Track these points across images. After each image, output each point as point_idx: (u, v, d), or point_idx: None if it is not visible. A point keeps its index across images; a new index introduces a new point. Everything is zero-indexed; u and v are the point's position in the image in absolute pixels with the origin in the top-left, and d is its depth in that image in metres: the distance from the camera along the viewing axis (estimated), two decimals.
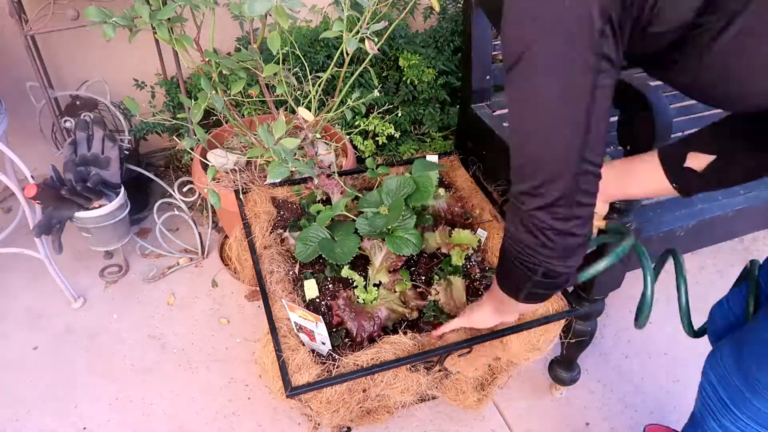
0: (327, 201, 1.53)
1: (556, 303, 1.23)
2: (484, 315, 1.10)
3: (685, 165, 0.89)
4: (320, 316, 1.08)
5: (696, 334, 1.12)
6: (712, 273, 1.95)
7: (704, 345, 1.71)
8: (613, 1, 0.64)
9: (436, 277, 1.34)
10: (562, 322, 1.25)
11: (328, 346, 1.13)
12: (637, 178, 0.96)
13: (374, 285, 1.31)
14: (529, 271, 0.83)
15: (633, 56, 0.75)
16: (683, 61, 0.72)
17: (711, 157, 0.88)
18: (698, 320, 1.14)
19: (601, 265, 1.02)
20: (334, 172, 1.46)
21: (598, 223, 1.04)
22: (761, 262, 1.04)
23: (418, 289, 1.32)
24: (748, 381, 0.92)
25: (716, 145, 0.88)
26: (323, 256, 1.31)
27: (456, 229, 1.40)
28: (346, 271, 1.32)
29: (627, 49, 0.71)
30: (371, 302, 1.26)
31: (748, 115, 0.82)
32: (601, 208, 1.04)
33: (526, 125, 0.74)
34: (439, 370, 1.23)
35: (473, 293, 1.33)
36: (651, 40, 0.70)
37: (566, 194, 0.74)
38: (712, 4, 0.64)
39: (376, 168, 1.53)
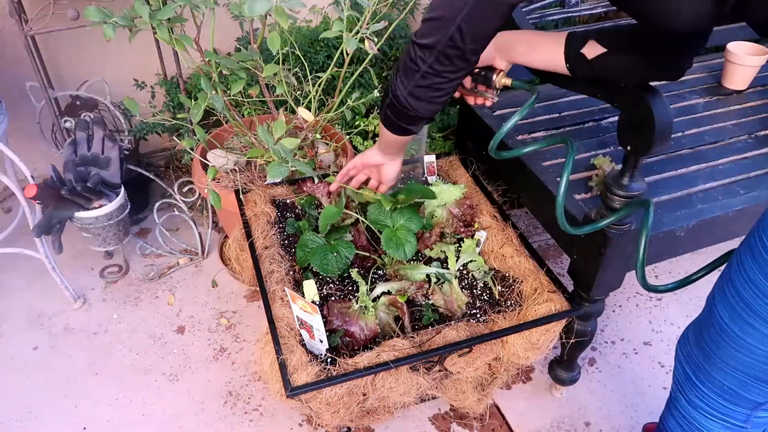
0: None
1: (556, 303, 1.23)
2: (372, 150, 1.30)
3: (581, 50, 1.02)
4: (317, 307, 1.07)
5: (650, 288, 1.12)
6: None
7: None
8: None
9: (435, 279, 1.34)
10: (563, 321, 1.25)
11: (326, 344, 1.13)
12: (541, 48, 1.09)
13: (377, 296, 1.30)
14: (391, 91, 1.06)
15: None
16: None
17: (602, 50, 1.00)
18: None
19: (511, 122, 1.12)
20: (320, 175, 1.46)
21: (504, 80, 1.15)
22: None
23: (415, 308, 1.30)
24: (702, 350, 0.99)
25: (611, 40, 1.00)
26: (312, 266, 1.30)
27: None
28: (355, 274, 1.31)
29: None
30: (368, 311, 1.25)
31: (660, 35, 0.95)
32: (504, 65, 1.17)
33: None
34: (439, 370, 1.23)
35: (472, 296, 1.33)
36: None
37: (440, 42, 0.93)
38: None
39: None
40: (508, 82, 1.16)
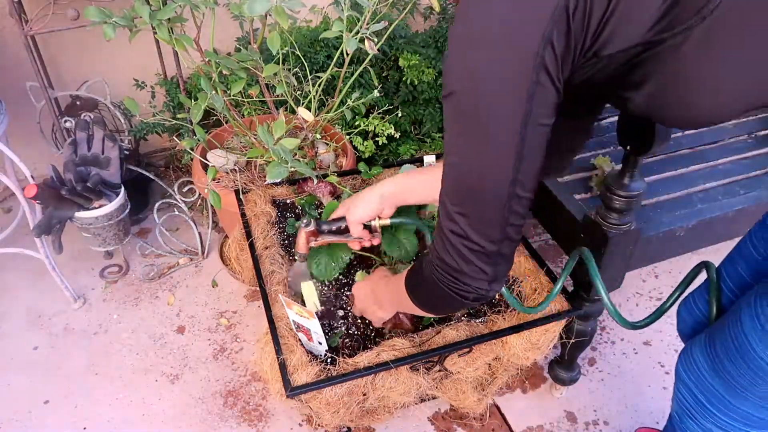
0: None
1: (557, 303, 1.23)
2: (372, 310, 1.17)
3: None
4: (314, 313, 1.07)
5: (633, 326, 1.09)
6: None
7: None
8: (557, 30, 0.63)
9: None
10: (563, 322, 1.25)
11: (325, 345, 1.13)
12: (425, 182, 1.12)
13: None
14: (462, 299, 0.84)
15: (587, 85, 0.74)
16: (639, 80, 0.72)
17: None
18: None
19: (557, 287, 1.11)
20: (320, 175, 1.46)
21: (383, 222, 1.20)
22: (717, 265, 1.03)
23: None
24: (724, 381, 0.90)
25: None
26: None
27: None
28: (360, 276, 1.32)
29: (580, 77, 0.71)
30: None
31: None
32: (391, 213, 1.20)
33: (463, 152, 0.75)
34: (439, 370, 1.23)
35: None
36: (606, 62, 0.69)
37: (498, 219, 0.75)
38: (667, 20, 0.63)
39: (370, 170, 1.55)
40: (387, 222, 1.21)
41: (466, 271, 0.80)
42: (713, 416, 0.95)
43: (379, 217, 1.19)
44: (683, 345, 1.05)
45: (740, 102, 0.69)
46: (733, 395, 0.89)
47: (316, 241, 1.24)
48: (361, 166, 1.55)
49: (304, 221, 1.22)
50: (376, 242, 1.23)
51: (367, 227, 1.21)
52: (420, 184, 1.15)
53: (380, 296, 1.14)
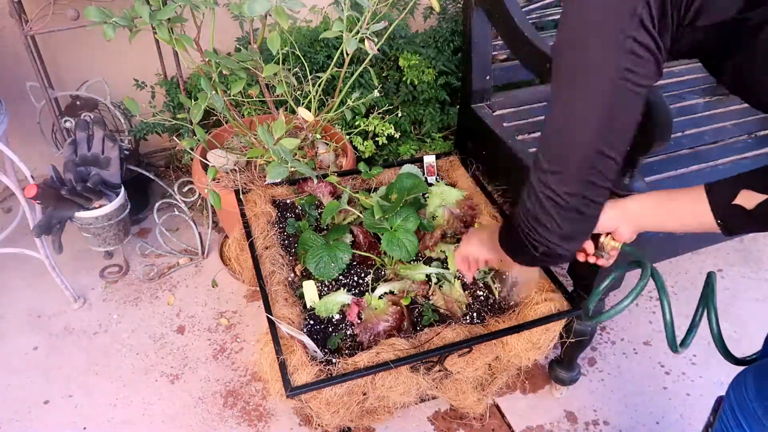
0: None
1: (556, 303, 1.23)
2: (479, 248, 1.17)
3: (735, 202, 0.89)
4: (303, 331, 1.08)
5: (738, 361, 1.06)
6: None
7: (705, 347, 1.71)
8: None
9: (435, 279, 1.34)
10: (563, 321, 1.25)
11: (320, 355, 1.14)
12: (677, 211, 0.96)
13: (382, 294, 1.31)
14: (533, 248, 0.90)
15: (689, 52, 0.78)
16: (732, 56, 0.74)
17: (763, 197, 0.86)
18: (686, 326, 1.13)
19: (624, 304, 1.02)
20: (320, 175, 1.46)
21: (613, 243, 1.02)
22: None
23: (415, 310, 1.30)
24: (765, 407, 0.91)
25: None
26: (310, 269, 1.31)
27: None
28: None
29: (685, 46, 0.75)
30: (378, 308, 1.26)
31: None
32: (628, 236, 1.02)
33: (559, 104, 0.79)
34: (439, 370, 1.23)
35: (471, 295, 1.33)
36: (701, 36, 0.72)
37: (580, 173, 0.79)
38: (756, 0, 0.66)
39: (370, 170, 1.55)
40: (617, 245, 1.02)
41: (541, 220, 0.85)
42: None
43: (613, 239, 1.03)
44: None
45: None
46: None
47: None
48: (361, 166, 1.55)
49: None
50: (601, 262, 1.07)
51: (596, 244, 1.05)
52: (670, 200, 0.98)
53: (489, 240, 1.16)
